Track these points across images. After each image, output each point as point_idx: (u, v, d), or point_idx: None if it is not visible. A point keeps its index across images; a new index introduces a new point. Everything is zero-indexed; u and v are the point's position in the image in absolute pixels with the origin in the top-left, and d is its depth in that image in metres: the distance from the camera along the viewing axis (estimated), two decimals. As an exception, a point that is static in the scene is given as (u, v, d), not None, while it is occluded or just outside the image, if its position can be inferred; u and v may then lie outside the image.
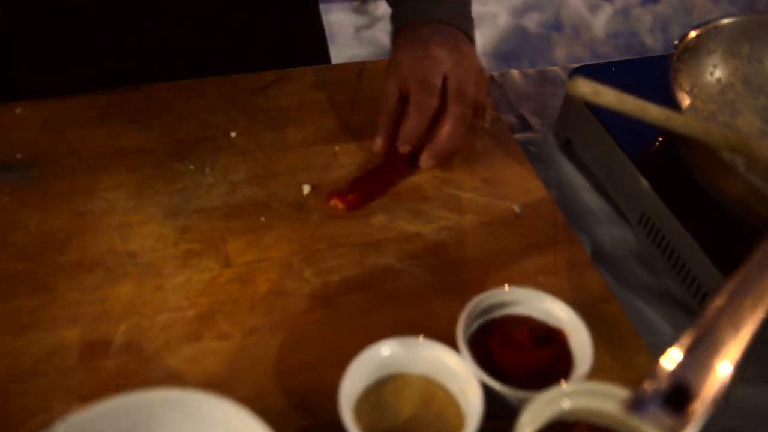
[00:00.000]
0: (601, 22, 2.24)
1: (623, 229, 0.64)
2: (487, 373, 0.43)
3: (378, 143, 0.61)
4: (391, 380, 0.44)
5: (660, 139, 0.64)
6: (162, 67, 0.70)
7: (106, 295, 0.51)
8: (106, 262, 0.53)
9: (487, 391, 0.42)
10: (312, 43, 0.86)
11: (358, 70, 0.73)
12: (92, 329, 0.49)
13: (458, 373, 0.43)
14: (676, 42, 0.60)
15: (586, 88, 0.44)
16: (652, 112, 0.46)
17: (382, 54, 1.16)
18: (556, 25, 2.22)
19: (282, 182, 0.61)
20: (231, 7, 0.74)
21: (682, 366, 0.32)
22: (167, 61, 0.71)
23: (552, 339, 0.47)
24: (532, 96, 0.78)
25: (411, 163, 0.61)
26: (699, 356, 0.33)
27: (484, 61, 2.09)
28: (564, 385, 0.41)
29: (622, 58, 0.73)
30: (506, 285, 0.49)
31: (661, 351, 0.53)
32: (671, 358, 0.33)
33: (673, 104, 0.55)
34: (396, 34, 0.65)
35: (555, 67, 0.82)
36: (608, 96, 0.45)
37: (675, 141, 0.62)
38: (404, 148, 0.60)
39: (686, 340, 0.34)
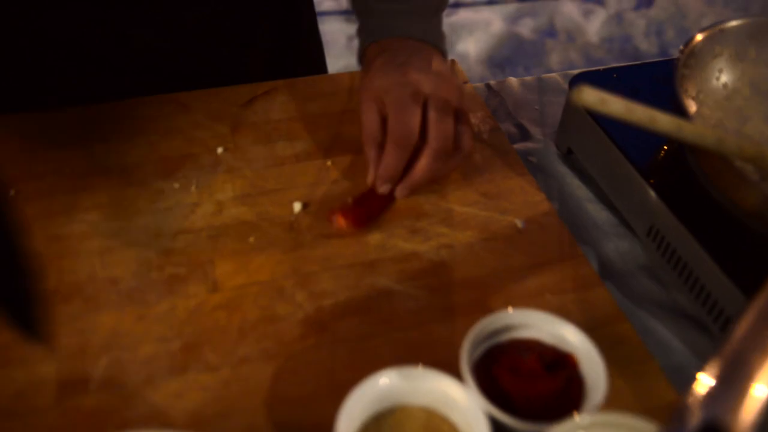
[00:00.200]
0: (594, 28, 2.23)
1: (630, 242, 0.61)
2: (494, 404, 0.41)
3: (372, 177, 0.57)
4: (391, 413, 0.42)
5: (666, 147, 0.62)
6: (153, 80, 0.68)
7: (84, 326, 0.48)
8: (85, 290, 0.50)
9: (495, 424, 0.39)
10: (310, 55, 0.83)
11: (350, 80, 0.71)
12: (69, 364, 0.45)
13: (463, 405, 0.41)
14: (681, 47, 0.58)
15: (591, 97, 0.41)
16: (662, 121, 0.43)
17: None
18: (550, 31, 2.21)
19: (272, 200, 0.58)
20: (226, 19, 0.72)
21: (712, 400, 0.29)
22: (158, 74, 0.69)
23: (562, 365, 0.44)
24: (531, 104, 0.75)
25: None
26: (730, 389, 0.30)
27: (478, 69, 2.08)
28: (578, 417, 0.38)
29: (617, 64, 0.71)
30: (510, 307, 0.46)
31: (676, 372, 0.51)
32: (699, 392, 0.30)
33: (680, 112, 0.52)
34: (365, 50, 0.62)
35: (554, 74, 0.79)
36: (616, 105, 0.42)
37: (682, 149, 0.60)
38: (384, 188, 0.56)
39: (713, 369, 0.31)
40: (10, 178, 0.57)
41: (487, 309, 0.51)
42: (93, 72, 0.68)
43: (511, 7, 2.25)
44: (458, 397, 0.41)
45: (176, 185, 0.58)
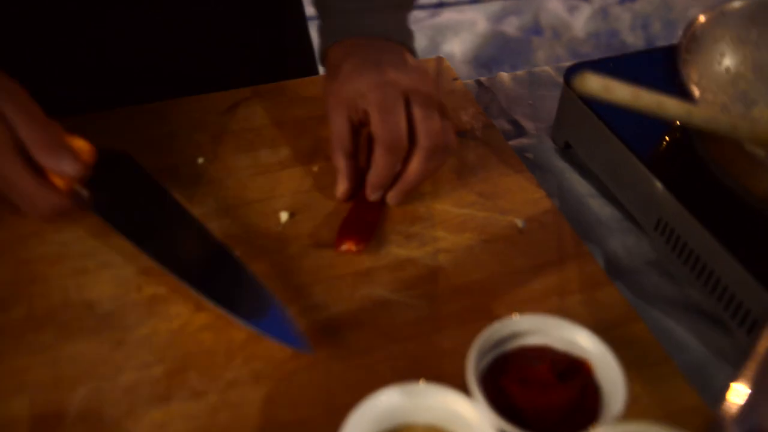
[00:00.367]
0: (580, 23, 2.22)
1: (637, 237, 0.58)
2: (505, 418, 0.37)
3: (341, 189, 0.54)
4: (395, 435, 0.38)
5: (668, 137, 0.59)
6: (140, 88, 0.65)
7: (58, 355, 0.44)
8: (59, 317, 0.46)
9: (508, 442, 0.36)
10: (301, 59, 0.80)
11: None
12: (43, 398, 0.42)
13: (471, 421, 0.38)
14: (682, 31, 0.55)
15: (595, 84, 0.38)
16: (670, 107, 0.40)
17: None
18: (536, 29, 2.19)
19: (256, 211, 0.55)
20: (216, 24, 0.69)
21: (750, 410, 0.26)
22: (146, 82, 0.66)
23: (576, 372, 0.41)
24: (523, 99, 0.72)
25: None
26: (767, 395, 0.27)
27: (465, 69, 2.06)
28: (598, 430, 0.35)
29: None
30: (516, 312, 0.43)
31: (695, 373, 0.48)
32: (734, 402, 0.27)
33: (685, 97, 0.49)
34: (327, 51, 0.58)
35: (545, 68, 0.76)
36: (622, 91, 0.39)
37: (687, 137, 0.57)
38: (374, 196, 0.53)
39: (746, 376, 0.28)
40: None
41: (491, 315, 0.47)
42: (78, 84, 0.65)
43: (495, 6, 2.24)
44: (465, 413, 0.38)
45: (155, 199, 0.55)
